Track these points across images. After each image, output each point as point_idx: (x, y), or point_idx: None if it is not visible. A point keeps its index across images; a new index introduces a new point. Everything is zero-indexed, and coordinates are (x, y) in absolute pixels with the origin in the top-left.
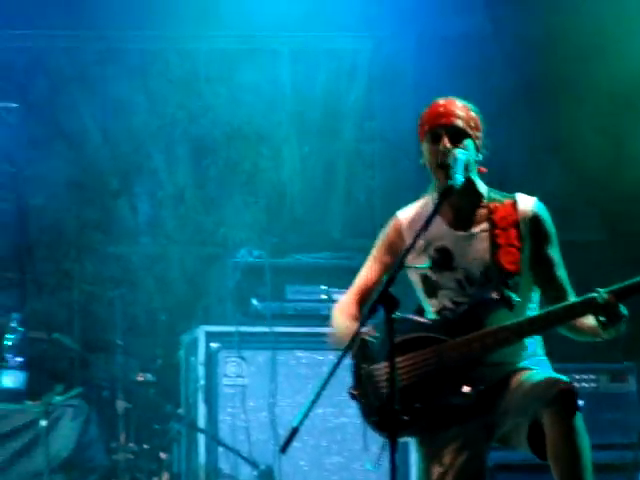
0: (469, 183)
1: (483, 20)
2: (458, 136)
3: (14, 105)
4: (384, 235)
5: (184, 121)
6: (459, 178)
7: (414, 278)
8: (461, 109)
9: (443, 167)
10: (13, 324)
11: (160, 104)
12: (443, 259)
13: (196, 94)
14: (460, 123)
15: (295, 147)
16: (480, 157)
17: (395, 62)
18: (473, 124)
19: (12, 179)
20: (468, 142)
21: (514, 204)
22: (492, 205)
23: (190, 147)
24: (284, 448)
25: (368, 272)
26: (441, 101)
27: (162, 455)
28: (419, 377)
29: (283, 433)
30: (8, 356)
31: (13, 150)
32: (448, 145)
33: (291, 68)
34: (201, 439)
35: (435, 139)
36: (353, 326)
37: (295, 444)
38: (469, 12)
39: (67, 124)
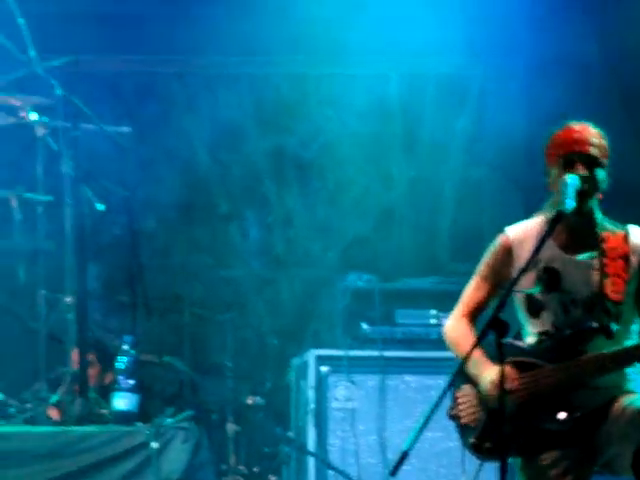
0: (587, 209)
1: (591, 43)
2: (591, 164)
3: (127, 129)
4: (492, 253)
5: (294, 145)
6: (570, 203)
7: (518, 296)
8: (596, 136)
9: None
10: (125, 347)
11: (270, 128)
12: (551, 280)
13: (306, 118)
14: (595, 152)
15: (404, 170)
16: (605, 185)
17: (505, 86)
18: (605, 152)
19: (124, 202)
20: (599, 171)
21: (626, 236)
22: (604, 234)
23: (299, 171)
24: (394, 472)
25: (476, 291)
26: (576, 127)
27: (272, 478)
28: (517, 401)
29: (392, 457)
30: (120, 378)
31: (125, 173)
32: (583, 173)
33: (400, 92)
34: (311, 462)
35: (568, 165)
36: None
37: (404, 467)
38: (579, 36)
39: (177, 148)
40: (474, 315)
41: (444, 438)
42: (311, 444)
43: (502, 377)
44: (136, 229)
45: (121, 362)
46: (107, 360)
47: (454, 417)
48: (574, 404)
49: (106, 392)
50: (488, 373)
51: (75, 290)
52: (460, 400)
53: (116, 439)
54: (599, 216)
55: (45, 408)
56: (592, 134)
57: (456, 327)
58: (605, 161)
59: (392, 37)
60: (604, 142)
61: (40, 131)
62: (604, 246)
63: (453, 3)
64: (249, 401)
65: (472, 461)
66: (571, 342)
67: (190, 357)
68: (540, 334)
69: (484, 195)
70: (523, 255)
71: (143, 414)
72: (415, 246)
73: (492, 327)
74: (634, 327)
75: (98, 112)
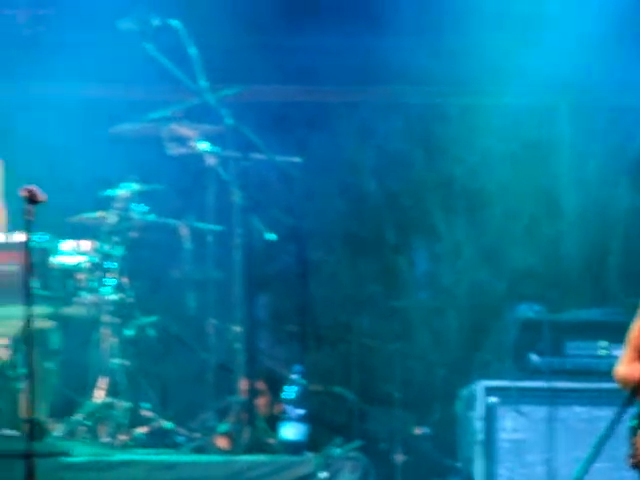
0: None
1: None
2: None
3: (296, 159)
4: None
5: (462, 175)
6: None
7: None
8: None
9: None
10: (294, 376)
11: (439, 158)
12: None
13: (474, 148)
14: None
15: (573, 201)
16: None
17: None
18: None
19: (293, 232)
20: None
21: None
22: None
23: (468, 201)
24: None
25: None
26: None
27: None
28: None
29: None
30: (289, 408)
31: (294, 203)
32: None
33: (570, 123)
34: None
35: None
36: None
37: None
38: None
39: (346, 178)
40: None
41: (614, 468)
42: (479, 475)
43: None
44: (305, 259)
45: (290, 392)
46: (276, 389)
47: (637, 465)
48: None
49: (275, 421)
50: None
51: (244, 319)
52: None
53: (284, 468)
54: None
55: (213, 437)
56: None
57: (628, 371)
58: None
59: (562, 68)
60: None
61: (210, 161)
62: None
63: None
64: (416, 431)
65: None
66: None
67: (358, 387)
68: None
69: None
70: None
71: (311, 444)
72: (584, 276)
73: None
74: None
75: (268, 142)
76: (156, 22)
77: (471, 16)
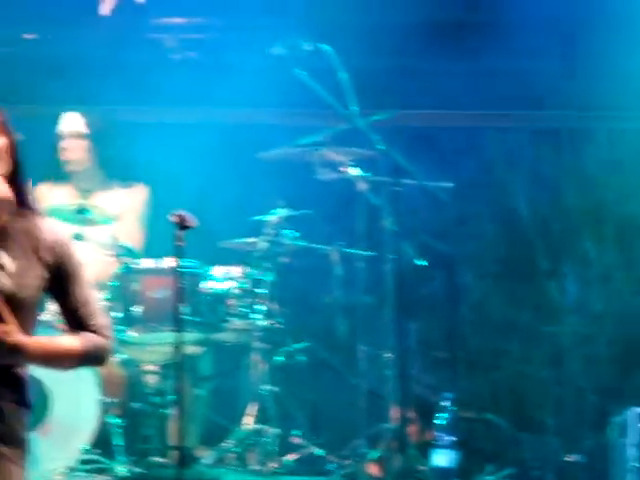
0: None
1: None
2: None
3: (447, 184)
4: None
5: (613, 200)
6: None
7: None
8: None
9: None
10: (445, 403)
11: (590, 184)
12: None
13: (625, 173)
14: None
15: None
16: None
17: None
18: None
19: (443, 257)
20: None
21: None
22: None
23: (618, 226)
24: None
25: None
26: None
27: None
28: None
29: None
30: (440, 435)
31: (445, 229)
32: None
33: None
34: None
35: None
36: None
37: None
38: None
39: (498, 203)
40: None
41: None
42: None
43: None
44: (455, 284)
45: (441, 418)
46: (426, 416)
47: None
48: None
49: (425, 448)
50: None
51: (394, 345)
52: None
53: None
54: None
55: (364, 464)
56: None
57: None
58: None
59: None
60: None
61: (361, 186)
62: None
63: None
64: (569, 459)
65: None
66: None
67: (510, 413)
68: None
69: None
70: None
71: (463, 471)
72: None
73: None
74: None
75: (418, 167)
76: (307, 47)
77: (622, 38)
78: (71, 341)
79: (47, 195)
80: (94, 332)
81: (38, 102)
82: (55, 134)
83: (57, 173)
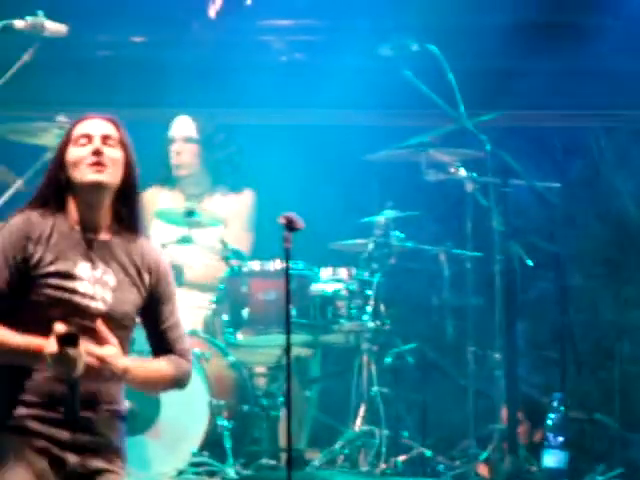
0: None
1: None
2: None
3: (555, 185)
4: None
5: None
6: None
7: None
8: None
9: None
10: (554, 404)
11: None
12: None
13: None
14: None
15: None
16: None
17: None
18: None
19: (552, 258)
20: None
21: None
22: None
23: None
24: None
25: None
26: None
27: None
28: None
29: None
30: (550, 436)
31: (554, 229)
32: None
33: None
34: None
35: None
36: None
37: None
38: None
39: (606, 204)
40: None
41: None
42: None
43: None
44: (564, 285)
45: (550, 419)
46: (536, 417)
47: None
48: None
49: (536, 449)
50: None
51: (503, 346)
52: None
53: None
54: None
55: (474, 465)
56: None
57: None
58: None
59: None
60: None
61: (469, 187)
62: None
63: None
64: None
65: None
66: None
67: (619, 413)
68: None
69: None
70: None
71: (573, 471)
72: None
73: None
74: None
75: (526, 168)
76: (414, 48)
77: None
78: (165, 366)
79: (155, 198)
80: (180, 355)
81: (145, 105)
82: (164, 137)
83: (165, 176)
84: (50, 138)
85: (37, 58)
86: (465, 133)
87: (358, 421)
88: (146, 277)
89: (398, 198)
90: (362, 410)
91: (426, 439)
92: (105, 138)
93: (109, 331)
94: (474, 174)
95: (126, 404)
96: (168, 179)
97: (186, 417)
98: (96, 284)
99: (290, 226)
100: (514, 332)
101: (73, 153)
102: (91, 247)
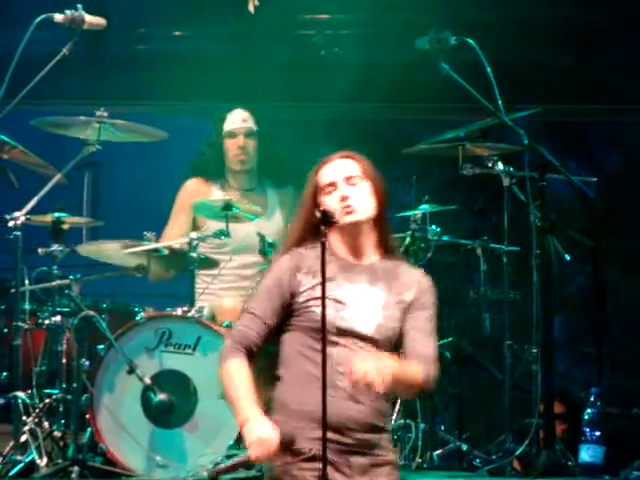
0: None
1: None
2: None
3: (593, 179)
4: None
5: None
6: None
7: None
8: None
9: None
10: (591, 399)
11: None
12: None
13: None
14: None
15: None
16: None
17: None
18: None
19: (590, 253)
20: None
21: None
22: None
23: None
24: None
25: None
26: None
27: None
28: None
29: None
30: (586, 430)
31: (591, 224)
32: None
33: None
34: None
35: None
36: None
37: None
38: None
39: None
40: None
41: None
42: None
43: None
44: (602, 280)
45: (587, 414)
46: (573, 412)
47: None
48: None
49: (571, 444)
50: None
51: (540, 340)
52: None
53: None
54: None
55: (510, 460)
56: None
57: None
58: None
59: None
60: None
61: (507, 181)
62: None
63: None
64: None
65: None
66: None
67: None
68: None
69: None
70: None
71: (609, 466)
72: None
73: None
74: None
75: (564, 162)
76: (453, 41)
77: None
78: (417, 372)
79: (196, 190)
80: (426, 362)
81: (182, 98)
82: (215, 130)
83: (213, 170)
84: (90, 132)
85: (76, 52)
86: (503, 127)
87: (394, 415)
88: (409, 295)
89: (435, 192)
90: (398, 404)
91: (462, 433)
92: (348, 179)
93: (375, 350)
94: (511, 168)
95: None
96: (217, 173)
97: (223, 410)
98: (363, 306)
99: (326, 220)
100: (551, 326)
101: (325, 202)
102: (356, 272)
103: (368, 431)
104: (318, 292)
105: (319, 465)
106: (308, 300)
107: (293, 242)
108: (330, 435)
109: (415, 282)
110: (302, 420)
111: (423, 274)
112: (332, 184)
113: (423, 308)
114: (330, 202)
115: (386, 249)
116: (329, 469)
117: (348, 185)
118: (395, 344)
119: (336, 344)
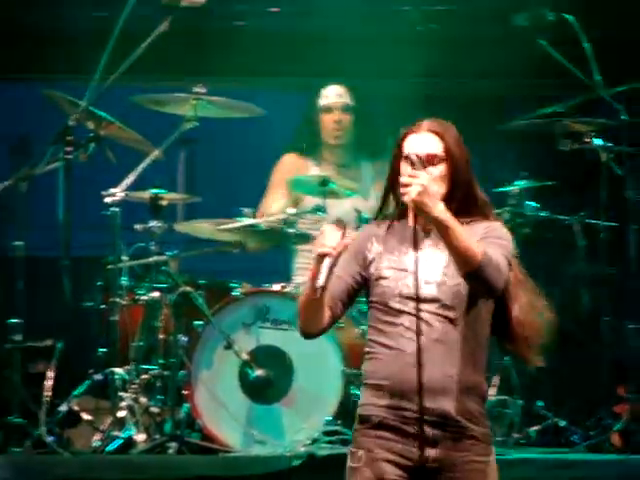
0: None
1: None
2: None
3: None
4: None
5: None
6: None
7: None
8: None
9: None
10: None
11: None
12: None
13: None
14: None
15: None
16: None
17: None
18: None
19: None
20: None
21: None
22: None
23: None
24: None
25: None
26: None
27: None
28: None
29: None
30: None
31: None
32: None
33: None
34: None
35: None
36: None
37: None
38: None
39: None
40: None
41: None
42: None
43: None
44: None
45: None
46: None
47: None
48: None
49: None
50: None
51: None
52: None
53: None
54: None
55: (609, 436)
56: None
57: None
58: None
59: None
60: None
61: (604, 156)
62: None
63: None
64: None
65: None
66: None
67: None
68: None
69: None
70: None
71: None
72: None
73: None
74: None
75: None
76: (550, 17)
77: None
78: (478, 246)
79: (292, 165)
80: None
81: (284, 74)
82: (310, 105)
83: (308, 145)
84: (187, 108)
85: (174, 28)
86: (601, 102)
87: (492, 391)
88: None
89: (532, 168)
90: (496, 380)
91: (560, 409)
92: (425, 157)
93: (445, 312)
94: (609, 143)
95: None
96: (313, 148)
97: (320, 386)
98: (425, 270)
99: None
100: None
101: (403, 171)
102: (421, 238)
103: (439, 398)
104: (385, 262)
105: (385, 433)
106: (376, 270)
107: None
108: (400, 403)
109: (483, 227)
110: (371, 389)
111: (494, 220)
112: (409, 157)
113: (491, 237)
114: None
115: (468, 213)
116: (398, 437)
117: (424, 163)
118: (469, 306)
119: (402, 312)
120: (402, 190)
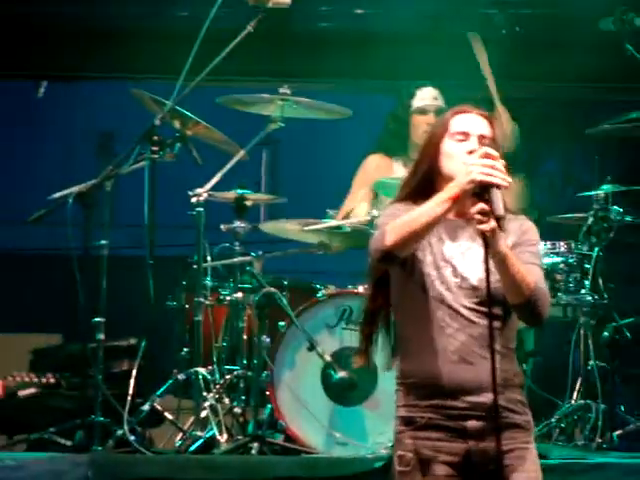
0: None
1: None
2: None
3: None
4: None
5: None
6: None
7: None
8: None
9: None
10: None
11: None
12: None
13: None
14: None
15: None
16: None
17: None
18: None
19: None
20: None
21: None
22: None
23: None
24: None
25: None
26: None
27: None
28: None
29: None
30: None
31: None
32: None
33: None
34: None
35: None
36: None
37: None
38: None
39: None
40: None
41: None
42: None
43: None
44: None
45: None
46: None
47: None
48: None
49: None
50: None
51: None
52: None
53: None
54: None
55: None
56: None
57: None
58: None
59: None
60: None
61: None
62: None
63: None
64: None
65: None
66: None
67: None
68: None
69: None
70: None
71: None
72: None
73: None
74: None
75: None
76: (638, 22)
77: None
78: (530, 275)
79: (377, 166)
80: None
81: (362, 75)
82: (402, 105)
83: (397, 146)
84: (273, 109)
85: (260, 29)
86: None
87: (574, 395)
88: (510, 239)
89: (618, 172)
90: (578, 384)
91: None
92: (481, 138)
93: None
94: None
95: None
96: (400, 148)
97: None
98: (464, 264)
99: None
100: None
101: (450, 146)
102: (459, 229)
103: (483, 393)
104: (419, 255)
105: (432, 434)
106: (414, 262)
107: (405, 194)
108: (444, 402)
109: (517, 226)
110: (412, 389)
111: (525, 218)
112: (465, 134)
113: (528, 244)
114: (456, 149)
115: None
116: (444, 436)
117: (479, 143)
118: (504, 301)
119: (440, 305)
120: (477, 217)
